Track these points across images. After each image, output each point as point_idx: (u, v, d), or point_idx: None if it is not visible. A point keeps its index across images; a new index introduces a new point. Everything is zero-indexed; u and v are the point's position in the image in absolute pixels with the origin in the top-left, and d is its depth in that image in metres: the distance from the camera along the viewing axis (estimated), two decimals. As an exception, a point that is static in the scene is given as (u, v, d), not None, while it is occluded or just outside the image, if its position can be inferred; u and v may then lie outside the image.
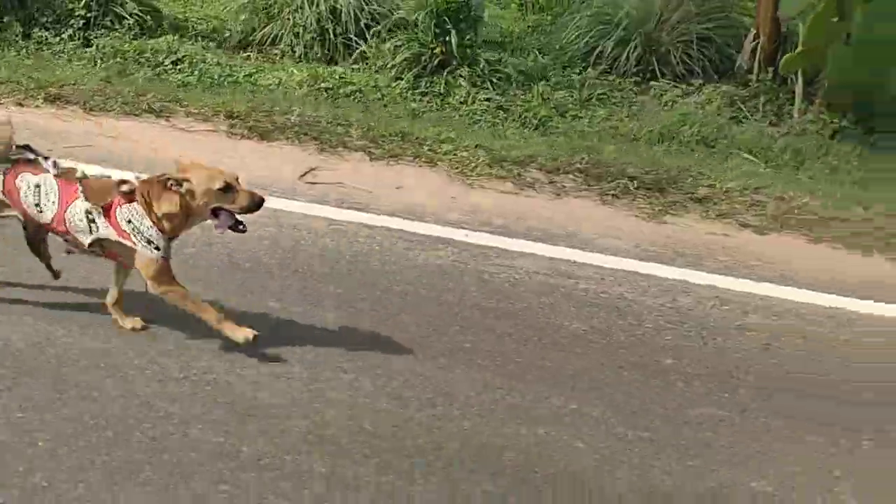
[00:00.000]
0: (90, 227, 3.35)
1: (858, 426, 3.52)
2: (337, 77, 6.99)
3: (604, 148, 6.16)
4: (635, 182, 5.64)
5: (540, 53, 7.54)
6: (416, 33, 7.06)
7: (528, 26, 8.10)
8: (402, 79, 6.94)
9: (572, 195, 5.56)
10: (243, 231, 3.37)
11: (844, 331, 4.26)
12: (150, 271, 3.38)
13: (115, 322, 3.60)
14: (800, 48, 6.55)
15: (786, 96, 7.02)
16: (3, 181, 3.45)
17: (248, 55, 7.51)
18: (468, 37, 6.99)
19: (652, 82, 7.35)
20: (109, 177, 3.53)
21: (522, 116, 6.74)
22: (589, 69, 7.36)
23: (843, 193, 5.84)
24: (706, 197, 5.61)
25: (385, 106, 6.73)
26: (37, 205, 3.40)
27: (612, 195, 5.54)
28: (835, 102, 6.65)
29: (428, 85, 6.92)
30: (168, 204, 3.30)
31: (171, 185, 3.28)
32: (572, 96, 7.06)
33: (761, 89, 7.07)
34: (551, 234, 4.96)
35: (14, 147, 3.49)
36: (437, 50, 6.92)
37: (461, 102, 6.81)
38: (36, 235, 3.63)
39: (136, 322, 3.60)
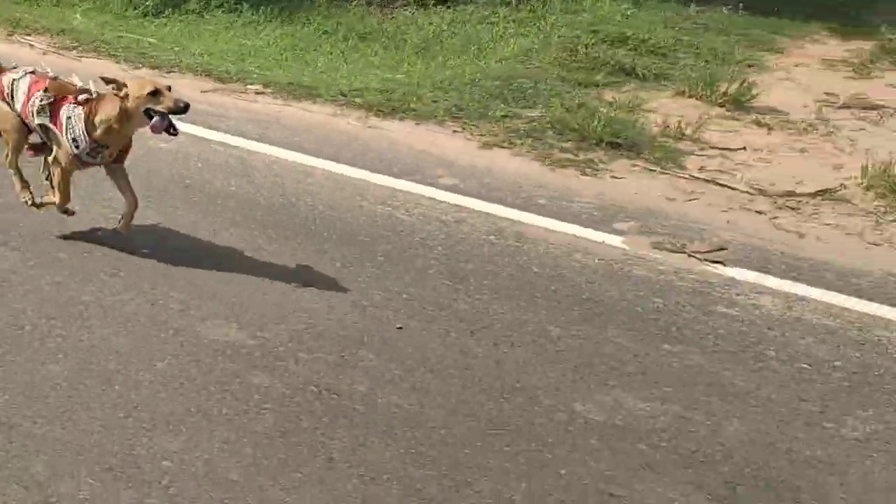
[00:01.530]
0: (40, 112, 4.02)
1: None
2: None
3: None
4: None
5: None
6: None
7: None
8: None
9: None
10: (175, 134, 3.87)
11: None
12: (60, 155, 4.04)
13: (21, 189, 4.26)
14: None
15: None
16: None
17: None
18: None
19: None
20: (76, 85, 4.09)
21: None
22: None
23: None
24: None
25: None
26: (13, 97, 4.11)
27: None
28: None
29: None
30: (110, 109, 3.88)
31: (115, 89, 3.88)
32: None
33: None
34: None
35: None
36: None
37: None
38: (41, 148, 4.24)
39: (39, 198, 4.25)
